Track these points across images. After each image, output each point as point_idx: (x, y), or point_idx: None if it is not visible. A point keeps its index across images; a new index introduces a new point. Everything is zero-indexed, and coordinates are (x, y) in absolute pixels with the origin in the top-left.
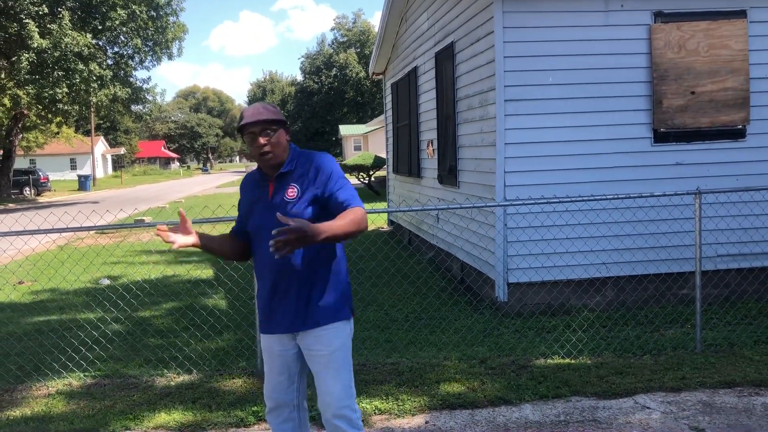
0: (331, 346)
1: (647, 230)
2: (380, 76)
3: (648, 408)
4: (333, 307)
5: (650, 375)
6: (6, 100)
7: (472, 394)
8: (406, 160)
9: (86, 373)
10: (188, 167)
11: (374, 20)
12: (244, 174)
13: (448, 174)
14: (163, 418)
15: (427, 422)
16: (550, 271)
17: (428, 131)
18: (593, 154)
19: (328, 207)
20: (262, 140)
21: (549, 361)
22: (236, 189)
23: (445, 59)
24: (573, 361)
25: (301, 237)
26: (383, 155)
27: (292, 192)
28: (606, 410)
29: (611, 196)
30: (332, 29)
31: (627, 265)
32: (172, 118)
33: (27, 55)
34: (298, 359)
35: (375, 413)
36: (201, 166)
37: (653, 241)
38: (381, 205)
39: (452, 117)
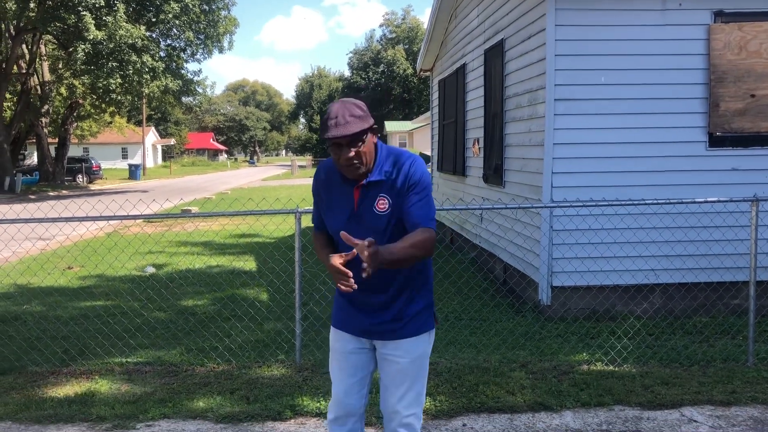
0: (412, 354)
1: (699, 237)
2: (428, 73)
3: (695, 421)
4: (420, 316)
5: (698, 387)
6: (63, 89)
7: (512, 399)
8: (451, 158)
9: (128, 360)
10: (235, 159)
11: (423, 17)
12: (294, 163)
13: (494, 173)
14: (201, 407)
15: (464, 425)
16: (596, 276)
17: (474, 129)
18: (644, 156)
19: (402, 218)
20: (351, 152)
21: (592, 367)
22: (281, 183)
23: (495, 56)
24: (617, 369)
25: (376, 262)
26: (428, 152)
27: (383, 205)
28: (650, 421)
29: (662, 201)
30: (381, 25)
31: (676, 272)
32: (222, 110)
33: (83, 46)
34: (371, 360)
35: (421, 419)
36: (248, 158)
37: (705, 248)
38: None
39: (500, 115)
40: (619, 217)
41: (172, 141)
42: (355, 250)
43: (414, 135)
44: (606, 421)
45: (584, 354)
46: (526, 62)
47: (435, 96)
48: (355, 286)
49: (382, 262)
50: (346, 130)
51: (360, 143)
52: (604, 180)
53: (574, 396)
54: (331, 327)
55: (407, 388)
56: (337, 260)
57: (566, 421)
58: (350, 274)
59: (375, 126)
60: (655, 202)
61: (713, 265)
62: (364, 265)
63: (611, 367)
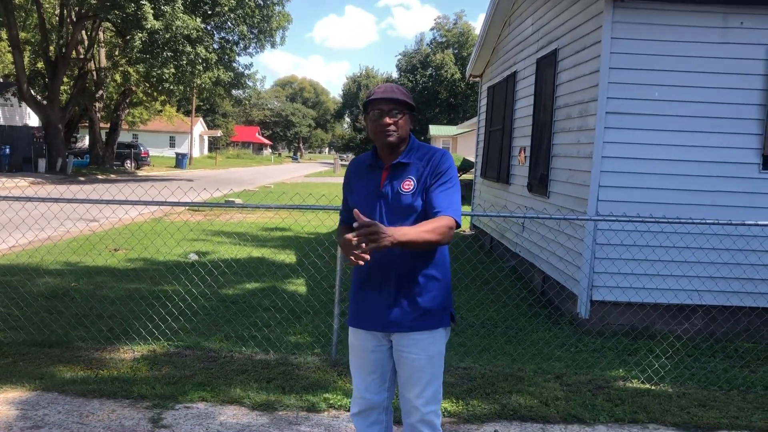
0: (428, 351)
1: (747, 260)
2: (477, 79)
3: None
4: (435, 311)
5: (737, 412)
6: (117, 76)
7: (545, 409)
8: (496, 165)
9: (170, 342)
10: (279, 155)
11: (475, 22)
12: (336, 161)
13: (539, 183)
14: (238, 393)
15: (496, 431)
16: (638, 293)
17: (521, 138)
18: (695, 175)
19: (425, 204)
20: (388, 119)
21: (628, 384)
22: (323, 180)
23: (547, 66)
24: (653, 388)
25: (373, 237)
26: (472, 158)
27: (409, 185)
28: None
29: (711, 221)
30: (432, 29)
31: (721, 294)
32: (269, 105)
33: (140, 35)
34: (391, 358)
35: (444, 415)
36: (291, 154)
37: (752, 272)
38: (465, 209)
39: (548, 125)
40: (664, 235)
41: (219, 133)
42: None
43: (458, 140)
44: None
45: (620, 370)
46: (579, 73)
47: (483, 102)
48: (366, 257)
49: (387, 237)
50: (391, 95)
51: (399, 114)
52: (651, 196)
53: (608, 411)
54: (349, 326)
55: (425, 386)
56: (350, 235)
57: None
58: (352, 240)
59: (415, 113)
60: (704, 222)
61: (760, 290)
62: (361, 242)
63: (647, 385)
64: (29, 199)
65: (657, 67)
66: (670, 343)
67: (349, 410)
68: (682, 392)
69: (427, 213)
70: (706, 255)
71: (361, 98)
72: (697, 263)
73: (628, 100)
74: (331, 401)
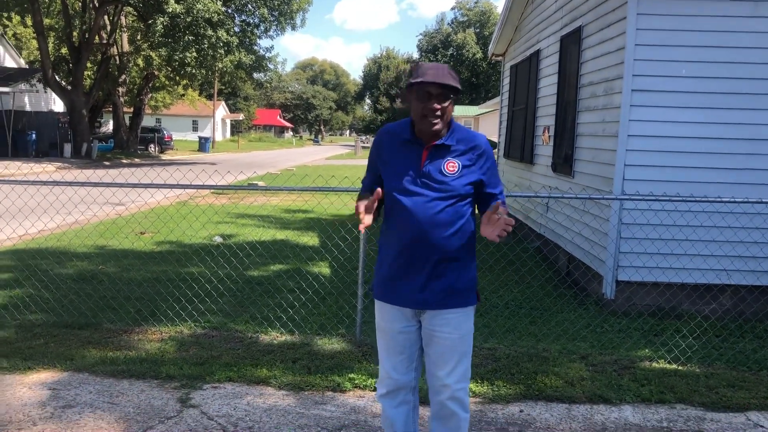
0: (461, 330)
1: None
2: (499, 58)
3: (762, 427)
4: (466, 289)
5: (767, 392)
6: (140, 61)
7: (570, 389)
8: (519, 145)
9: (196, 324)
10: (300, 137)
11: (496, 1)
12: (357, 143)
13: (563, 162)
14: (264, 373)
15: (521, 411)
16: (665, 273)
17: (545, 117)
18: (723, 153)
19: (480, 193)
20: (436, 105)
21: (654, 364)
22: (344, 162)
23: (571, 44)
24: (681, 368)
25: (508, 230)
26: (494, 139)
27: (453, 167)
28: (714, 423)
29: (740, 200)
30: (453, 8)
31: (750, 274)
32: (290, 88)
33: (162, 19)
34: (419, 338)
35: (469, 395)
36: (312, 137)
37: None
38: None
39: (573, 104)
40: (692, 214)
41: (241, 116)
42: (379, 190)
43: (480, 120)
44: (667, 419)
45: (647, 350)
46: (604, 51)
47: (506, 81)
48: (368, 225)
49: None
50: (443, 80)
51: (448, 100)
52: (678, 175)
53: (635, 391)
54: (377, 302)
55: (456, 363)
56: (362, 203)
57: (625, 415)
58: (361, 209)
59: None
60: (733, 200)
61: None
62: (496, 232)
63: (674, 366)
64: (56, 183)
65: (684, 43)
66: (697, 323)
67: (374, 390)
68: (710, 372)
69: (485, 200)
70: (734, 234)
71: (381, 79)
72: (725, 242)
73: (655, 77)
74: (356, 381)
